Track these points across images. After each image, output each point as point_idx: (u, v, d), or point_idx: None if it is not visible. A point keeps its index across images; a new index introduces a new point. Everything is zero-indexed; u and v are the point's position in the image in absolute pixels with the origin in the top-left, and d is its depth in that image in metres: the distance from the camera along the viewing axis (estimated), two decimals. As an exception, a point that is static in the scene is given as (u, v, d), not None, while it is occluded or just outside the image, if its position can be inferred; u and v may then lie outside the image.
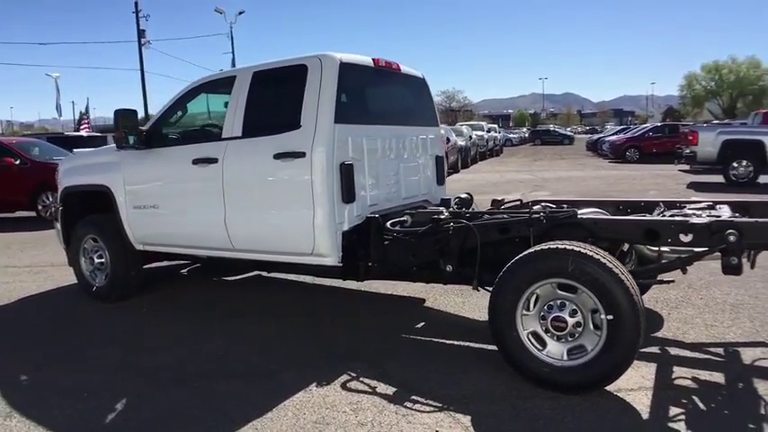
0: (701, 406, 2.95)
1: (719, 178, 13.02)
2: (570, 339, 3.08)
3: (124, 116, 4.49)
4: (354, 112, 4.02)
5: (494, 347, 3.35)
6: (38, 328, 4.66)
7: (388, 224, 3.96)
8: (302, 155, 3.78)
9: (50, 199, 10.63)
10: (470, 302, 4.79)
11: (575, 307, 3.05)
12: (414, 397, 3.13)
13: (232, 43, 33.79)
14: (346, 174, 3.83)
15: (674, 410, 2.90)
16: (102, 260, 5.18)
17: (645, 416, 2.87)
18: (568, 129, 69.81)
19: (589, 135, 46.04)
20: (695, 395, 3.06)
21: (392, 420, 2.90)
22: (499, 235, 3.59)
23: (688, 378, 3.27)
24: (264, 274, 6.01)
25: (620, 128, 39.44)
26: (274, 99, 4.25)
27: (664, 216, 3.61)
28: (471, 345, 3.92)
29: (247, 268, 5.52)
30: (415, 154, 4.77)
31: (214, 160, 4.22)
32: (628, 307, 2.87)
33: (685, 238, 3.13)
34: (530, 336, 3.18)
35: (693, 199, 4.01)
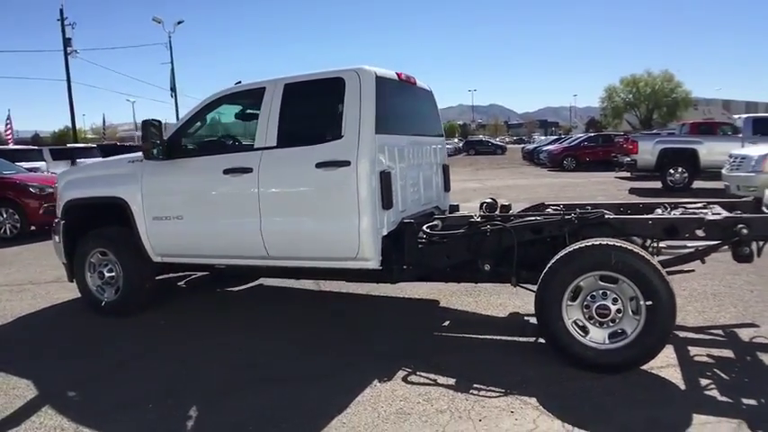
0: (724, 376, 3.40)
1: (657, 184, 14.22)
2: (611, 325, 3.46)
3: (152, 127, 4.48)
4: (387, 123, 4.25)
5: (524, 338, 3.68)
6: (62, 344, 4.52)
7: (425, 228, 4.21)
8: (347, 164, 3.97)
9: (4, 215, 10.01)
10: (481, 302, 5.12)
11: (615, 296, 3.44)
12: (476, 385, 3.39)
13: (171, 53, 32.81)
14: (386, 181, 4.05)
15: (703, 381, 3.33)
16: (113, 274, 5.08)
17: (683, 387, 3.28)
18: (497, 139, 72.57)
19: (519, 145, 48.10)
20: (715, 368, 3.51)
21: (467, 406, 3.15)
22: (533, 235, 3.94)
23: (703, 355, 3.73)
24: (266, 283, 6.10)
25: (553, 138, 41.66)
26: (310, 110, 4.41)
27: (670, 215, 4.09)
28: (503, 338, 4.23)
29: (270, 275, 5.47)
30: (429, 162, 5.07)
31: (248, 170, 4.31)
32: (665, 293, 3.29)
33: (701, 233, 3.61)
34: (574, 324, 3.53)
35: (689, 200, 4.54)
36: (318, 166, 4.06)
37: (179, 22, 33.09)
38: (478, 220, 4.17)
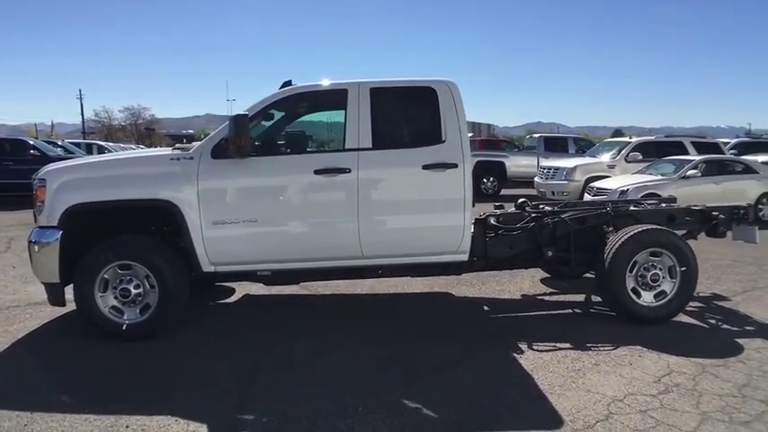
0: (724, 318, 4.90)
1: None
2: (656, 288, 4.68)
3: (245, 121, 4.08)
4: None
5: (561, 311, 4.75)
6: (127, 371, 3.77)
7: (492, 223, 4.87)
8: (454, 166, 4.38)
9: None
10: (486, 289, 5.95)
11: (659, 266, 4.67)
12: (588, 344, 4.22)
13: None
14: (473, 182, 4.59)
15: (714, 323, 4.77)
16: (140, 290, 4.36)
17: (706, 327, 4.69)
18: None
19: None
20: (718, 313, 5.02)
21: (601, 358, 3.97)
22: (578, 225, 4.96)
23: (704, 306, 5.22)
24: (252, 293, 5.85)
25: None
26: (403, 115, 4.64)
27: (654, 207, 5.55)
28: (544, 312, 5.16)
29: (340, 277, 4.99)
30: None
31: (345, 170, 4.32)
32: (693, 261, 4.65)
33: (689, 218, 5.13)
34: (631, 291, 4.65)
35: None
36: (425, 167, 4.36)
37: None
38: (534, 214, 5.00)
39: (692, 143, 13.26)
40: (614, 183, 11.17)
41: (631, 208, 5.21)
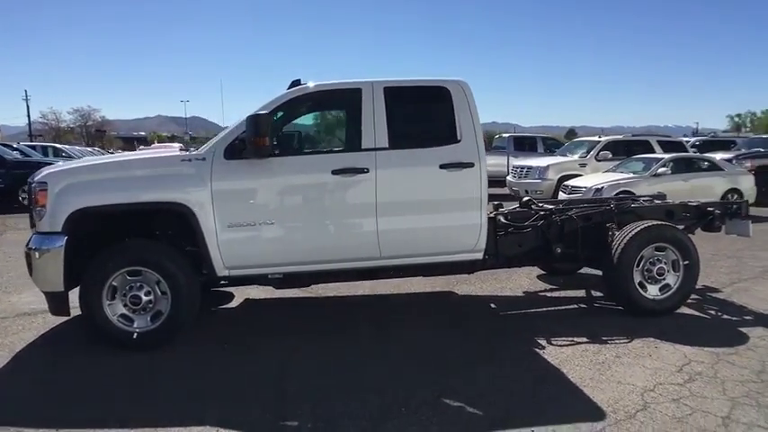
0: (721, 309, 5.12)
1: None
2: (661, 282, 4.84)
3: (267, 121, 3.97)
4: None
5: (568, 306, 4.90)
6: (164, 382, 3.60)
7: (502, 221, 4.92)
8: (471, 165, 4.41)
9: None
10: (486, 287, 6.02)
11: (663, 260, 4.83)
12: (603, 338, 4.33)
13: None
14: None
15: (713, 314, 4.98)
16: (150, 297, 4.19)
17: (707, 317, 4.89)
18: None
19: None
20: (715, 304, 5.23)
21: (621, 351, 4.07)
22: (584, 222, 5.08)
23: (701, 298, 5.41)
24: (252, 297, 5.74)
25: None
26: (417, 114, 4.63)
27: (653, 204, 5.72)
28: (553, 309, 5.26)
29: (354, 278, 4.93)
30: None
31: (363, 170, 4.28)
32: (695, 254, 4.83)
33: (686, 214, 5.33)
34: (638, 285, 4.80)
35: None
36: (443, 167, 4.37)
37: None
38: (543, 212, 5.09)
39: (658, 142, 13.82)
40: (588, 181, 11.48)
41: (633, 205, 5.37)
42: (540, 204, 5.50)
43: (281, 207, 4.27)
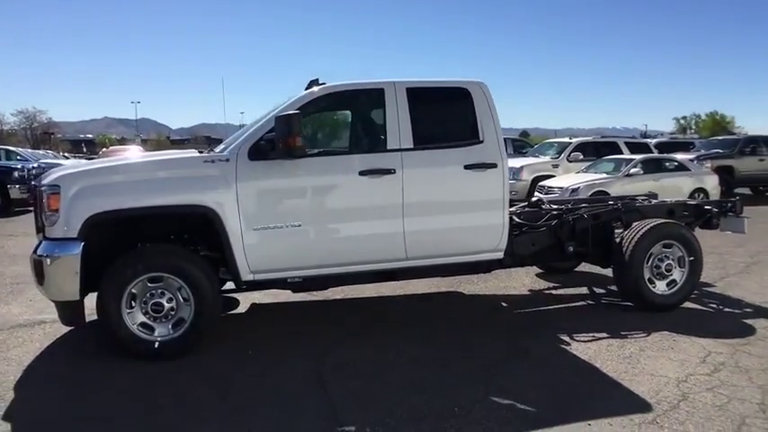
0: (721, 302, 5.36)
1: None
2: (668, 277, 5.04)
3: (296, 121, 3.89)
4: None
5: (575, 303, 5.10)
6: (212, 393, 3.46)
7: (517, 220, 5.01)
8: (494, 165, 4.47)
9: None
10: (490, 286, 6.10)
11: (671, 256, 5.03)
12: (621, 333, 4.47)
13: None
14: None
15: (715, 308, 5.21)
16: (173, 304, 4.04)
17: (711, 311, 5.11)
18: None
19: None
20: (714, 299, 5.45)
21: (643, 345, 4.22)
22: (593, 221, 5.23)
23: (699, 293, 5.59)
24: (258, 302, 5.63)
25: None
26: (439, 115, 4.64)
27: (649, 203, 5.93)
28: (563, 306, 5.38)
29: (370, 280, 4.85)
30: None
31: (390, 171, 4.27)
32: (700, 251, 5.06)
33: (686, 213, 5.56)
34: (647, 281, 4.97)
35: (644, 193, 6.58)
36: (467, 167, 4.41)
37: None
38: (555, 212, 5.21)
39: (626, 143, 14.36)
40: (563, 181, 11.80)
41: (638, 204, 5.57)
42: (550, 204, 5.63)
43: (307, 209, 4.20)
